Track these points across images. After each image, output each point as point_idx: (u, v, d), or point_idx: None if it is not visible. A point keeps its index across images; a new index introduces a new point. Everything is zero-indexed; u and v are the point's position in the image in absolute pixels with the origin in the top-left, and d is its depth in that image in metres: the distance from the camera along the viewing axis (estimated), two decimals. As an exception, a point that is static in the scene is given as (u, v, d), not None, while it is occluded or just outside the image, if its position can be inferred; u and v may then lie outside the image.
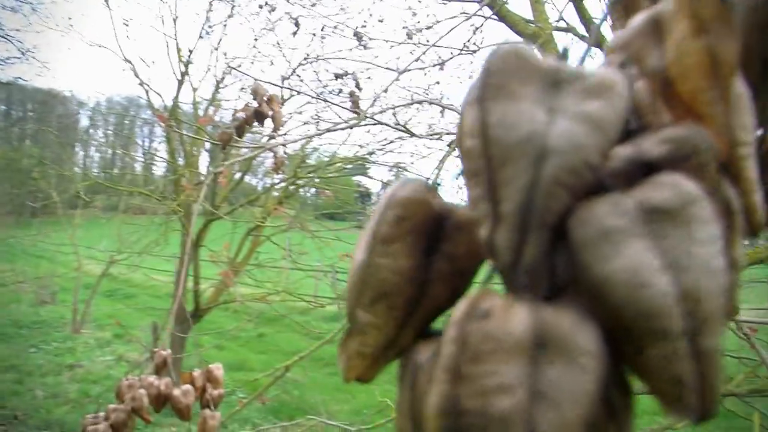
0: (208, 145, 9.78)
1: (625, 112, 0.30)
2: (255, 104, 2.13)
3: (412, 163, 8.25)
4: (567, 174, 0.28)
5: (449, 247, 0.34)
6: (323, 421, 3.82)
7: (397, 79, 2.50)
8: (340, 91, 4.04)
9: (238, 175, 8.86)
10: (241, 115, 2.15)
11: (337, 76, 4.10)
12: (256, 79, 2.36)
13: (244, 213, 8.30)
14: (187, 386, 1.48)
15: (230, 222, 8.67)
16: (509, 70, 0.30)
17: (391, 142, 7.75)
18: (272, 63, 8.39)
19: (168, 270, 22.62)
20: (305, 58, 7.61)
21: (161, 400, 1.46)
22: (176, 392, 1.46)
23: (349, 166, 9.03)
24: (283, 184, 8.36)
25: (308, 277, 9.44)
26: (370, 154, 8.06)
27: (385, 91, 2.50)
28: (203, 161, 9.50)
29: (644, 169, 0.30)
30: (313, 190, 13.14)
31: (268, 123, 2.20)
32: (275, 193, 8.62)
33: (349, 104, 3.24)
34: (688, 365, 0.27)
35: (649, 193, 0.28)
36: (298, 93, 5.11)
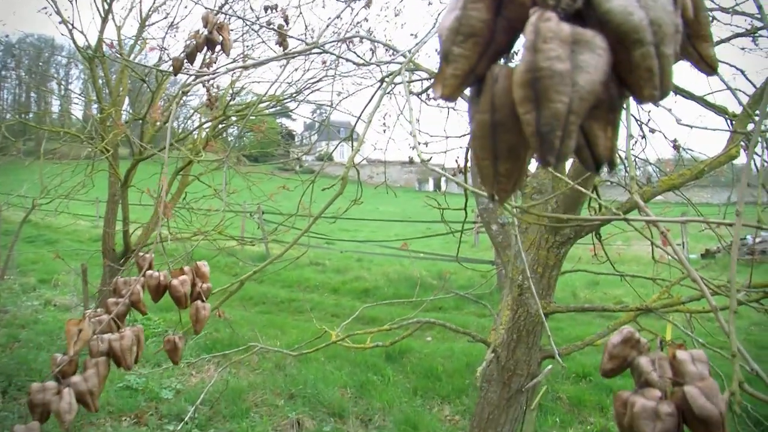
0: (129, 86, 9.64)
1: None
2: (205, 32, 2.21)
3: (339, 102, 8.33)
4: None
5: (508, 12, 0.49)
6: (264, 347, 3.94)
7: (344, 10, 2.60)
8: (269, 24, 4.07)
9: (167, 113, 8.76)
10: (192, 41, 2.23)
11: (267, 9, 4.14)
12: (205, 7, 2.42)
13: (172, 153, 8.23)
14: (184, 276, 1.60)
15: (157, 163, 8.61)
16: None
17: (319, 80, 7.82)
18: (197, 2, 8.28)
19: (90, 215, 22.21)
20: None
21: (161, 290, 1.58)
22: (174, 282, 1.58)
23: (276, 107, 9.05)
24: (210, 123, 8.34)
25: (236, 215, 9.45)
26: (298, 93, 8.09)
27: (338, 17, 2.59)
28: (124, 102, 9.36)
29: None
30: (236, 132, 13.08)
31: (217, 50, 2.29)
32: (204, 133, 8.59)
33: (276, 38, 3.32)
34: (654, 61, 0.44)
35: None
36: (235, 18, 5.09)
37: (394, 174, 50.57)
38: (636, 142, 5.51)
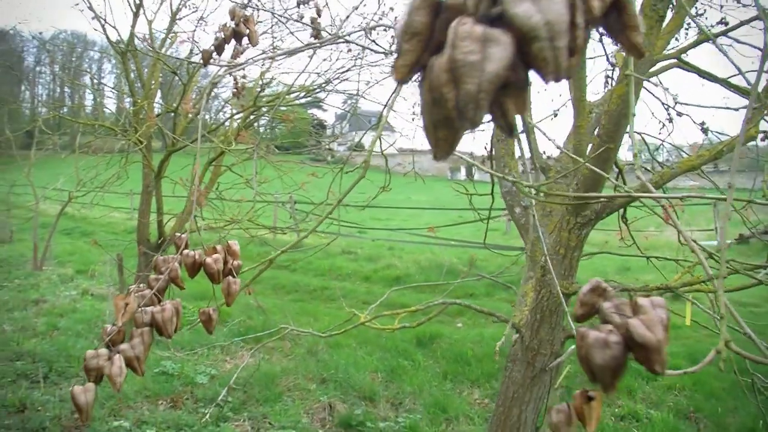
0: (161, 79, 9.82)
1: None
2: (232, 24, 2.32)
3: (366, 90, 8.41)
4: None
5: (444, 16, 0.60)
6: (295, 329, 4.06)
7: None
8: (302, 17, 4.17)
9: (198, 106, 8.91)
10: (220, 35, 2.34)
11: (299, 3, 4.24)
12: (232, 1, 2.53)
13: (204, 144, 8.38)
14: (216, 255, 1.73)
15: (189, 154, 8.78)
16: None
17: (348, 70, 7.90)
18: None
19: (125, 207, 22.56)
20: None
21: (196, 267, 1.70)
22: (208, 260, 1.70)
23: (306, 98, 9.16)
24: (242, 114, 8.47)
25: (268, 204, 9.59)
26: (327, 83, 8.19)
27: (358, 6, 2.69)
28: (157, 96, 9.53)
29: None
30: (267, 122, 13.21)
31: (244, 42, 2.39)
32: (235, 124, 8.73)
33: (310, 30, 3.42)
34: (549, 52, 0.56)
35: None
36: (259, 11, 5.21)
37: (426, 163, 50.48)
38: (663, 126, 5.54)
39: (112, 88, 11.57)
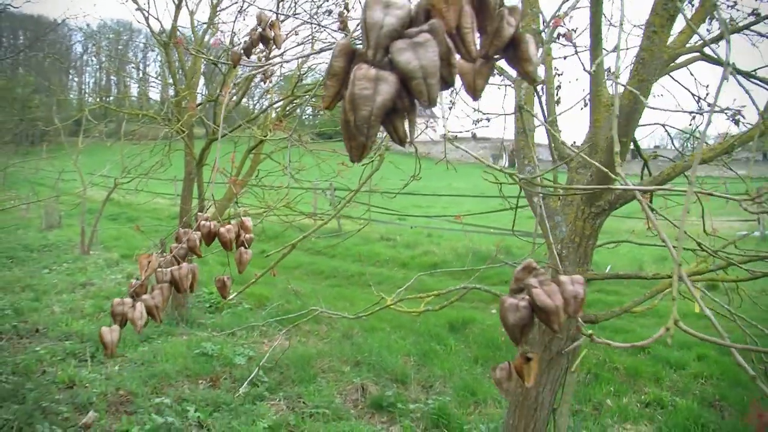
0: (204, 69, 10.09)
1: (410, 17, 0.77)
2: (260, 29, 2.54)
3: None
4: (389, 34, 0.75)
5: (356, 62, 0.78)
6: (325, 311, 4.27)
7: None
8: (330, 12, 4.35)
9: (236, 97, 9.16)
10: (247, 38, 2.56)
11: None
12: (258, 8, 2.73)
13: (244, 132, 8.63)
14: (229, 226, 1.96)
15: (231, 142, 9.04)
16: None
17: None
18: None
19: (169, 193, 23.00)
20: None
21: (212, 236, 1.93)
22: (222, 230, 1.93)
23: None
24: (281, 103, 8.68)
25: (306, 192, 9.81)
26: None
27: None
28: (200, 85, 9.79)
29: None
30: (310, 110, 13.43)
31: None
32: (274, 114, 8.94)
33: (337, 25, 3.61)
34: (424, 87, 0.75)
35: (414, 37, 0.76)
36: (287, 17, 5.39)
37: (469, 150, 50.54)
38: (694, 117, 5.62)
39: (156, 78, 11.87)
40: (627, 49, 4.96)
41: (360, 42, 0.81)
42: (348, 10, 3.86)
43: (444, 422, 6.10)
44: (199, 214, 1.96)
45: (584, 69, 4.05)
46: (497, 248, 10.96)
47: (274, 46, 2.52)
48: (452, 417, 6.17)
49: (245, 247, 2.04)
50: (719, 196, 1.82)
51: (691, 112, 4.41)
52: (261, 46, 2.53)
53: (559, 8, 2.97)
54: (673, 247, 1.72)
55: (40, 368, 7.06)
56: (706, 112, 4.70)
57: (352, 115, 0.73)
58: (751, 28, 4.92)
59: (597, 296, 10.89)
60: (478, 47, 0.88)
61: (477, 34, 0.87)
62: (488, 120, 6.75)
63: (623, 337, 8.51)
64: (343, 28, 3.69)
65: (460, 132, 6.52)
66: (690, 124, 5.56)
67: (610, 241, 4.59)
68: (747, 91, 2.26)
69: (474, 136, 7.96)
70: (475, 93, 0.95)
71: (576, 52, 4.77)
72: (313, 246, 15.43)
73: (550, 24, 2.92)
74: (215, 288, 3.23)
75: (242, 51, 2.51)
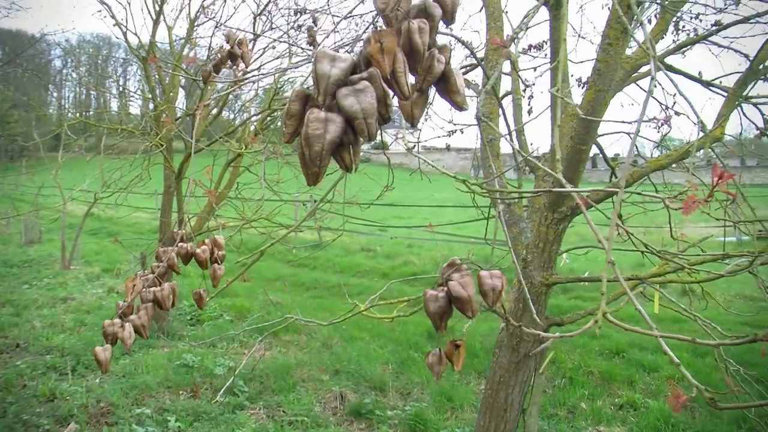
0: (183, 83, 10.18)
1: (352, 67, 0.88)
2: (228, 47, 2.66)
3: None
4: (335, 83, 0.86)
5: (310, 105, 0.90)
6: (299, 318, 4.37)
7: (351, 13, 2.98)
8: (301, 26, 4.47)
9: (215, 111, 9.27)
10: (216, 56, 2.68)
11: (296, 12, 4.55)
12: (226, 26, 2.84)
13: (222, 146, 8.73)
14: (204, 246, 2.10)
15: (210, 155, 9.13)
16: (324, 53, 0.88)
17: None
18: (243, 0, 8.79)
19: (150, 207, 23.02)
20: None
21: (189, 257, 2.07)
22: (198, 250, 2.07)
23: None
24: (259, 116, 8.79)
25: (284, 203, 9.91)
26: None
27: (348, 16, 2.99)
28: (179, 99, 9.88)
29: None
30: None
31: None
32: (252, 127, 9.05)
33: (306, 40, 3.73)
34: (364, 126, 0.87)
35: (356, 84, 0.86)
36: (258, 35, 5.50)
37: (449, 161, 51.06)
38: (662, 125, 5.78)
39: (134, 93, 11.94)
40: (587, 61, 5.11)
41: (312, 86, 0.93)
42: (316, 25, 3.98)
43: (421, 428, 6.22)
44: (176, 231, 2.09)
45: (546, 86, 4.20)
46: (468, 256, 11.08)
47: (242, 63, 2.64)
48: (429, 422, 6.28)
49: (218, 263, 2.19)
50: (647, 195, 1.94)
51: (623, 122, 4.57)
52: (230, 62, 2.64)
53: (521, 23, 3.10)
54: (647, 248, 1.84)
55: (21, 382, 7.12)
56: (634, 121, 4.85)
57: (308, 150, 0.87)
58: (711, 39, 5.08)
59: (575, 303, 11.05)
60: (410, 86, 1.02)
61: (411, 75, 1.02)
62: (462, 131, 6.90)
63: (599, 342, 8.66)
64: (312, 42, 3.81)
65: (427, 141, 6.64)
66: (659, 132, 5.72)
67: (575, 247, 4.72)
68: (688, 101, 2.39)
69: (448, 147, 8.10)
70: (413, 121, 1.10)
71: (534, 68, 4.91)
72: (293, 258, 15.51)
73: (495, 42, 3.05)
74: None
75: (212, 68, 2.62)
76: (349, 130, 0.88)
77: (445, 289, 1.49)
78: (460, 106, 1.11)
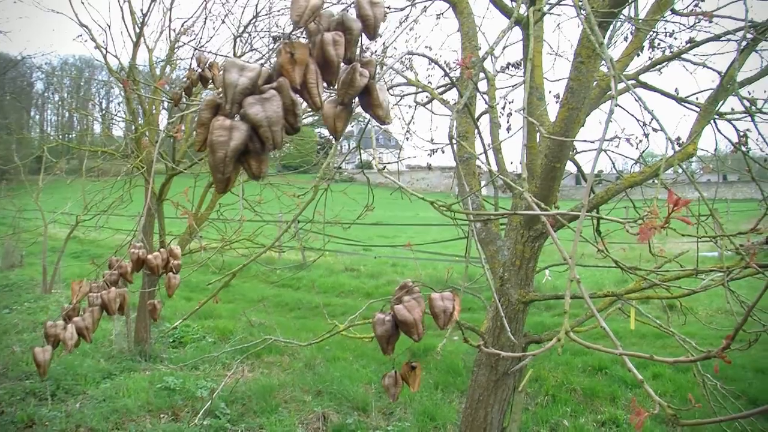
0: (166, 104, 10.19)
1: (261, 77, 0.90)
2: (199, 70, 2.67)
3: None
4: (242, 91, 0.88)
5: (219, 114, 0.91)
6: (279, 339, 4.36)
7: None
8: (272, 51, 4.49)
9: (195, 133, 9.26)
10: (186, 80, 2.70)
11: (275, 39, 4.57)
12: (205, 49, 2.86)
13: (203, 167, 8.72)
14: (156, 253, 2.09)
15: (191, 177, 9.13)
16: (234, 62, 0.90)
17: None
18: (223, 21, 8.83)
19: (132, 229, 22.88)
20: (254, 16, 8.06)
21: (140, 263, 2.05)
22: (149, 257, 2.06)
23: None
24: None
25: (266, 224, 9.91)
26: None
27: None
28: (162, 120, 9.87)
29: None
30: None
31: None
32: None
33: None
34: (269, 132, 0.90)
35: (263, 93, 0.89)
36: (240, 56, 5.54)
37: (434, 180, 51.40)
38: (640, 141, 5.83)
39: (115, 115, 11.95)
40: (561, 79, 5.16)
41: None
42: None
43: (404, 448, 6.20)
44: (133, 243, 2.08)
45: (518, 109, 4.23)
46: (448, 274, 11.10)
47: (212, 86, 2.65)
48: (412, 442, 6.27)
49: (174, 273, 2.17)
50: (607, 220, 1.96)
51: (592, 141, 4.60)
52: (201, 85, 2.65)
53: (493, 43, 3.13)
54: (618, 264, 1.86)
55: (-1, 408, 7.04)
56: (597, 140, 4.91)
57: (212, 156, 0.87)
58: (685, 57, 5.15)
59: (558, 320, 11.07)
60: (330, 98, 1.04)
61: (326, 86, 1.03)
62: (443, 151, 6.93)
63: (582, 359, 8.68)
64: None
65: (404, 160, 6.69)
66: (637, 148, 5.77)
67: (554, 264, 4.74)
68: (655, 117, 2.42)
69: (429, 167, 8.16)
70: (336, 134, 1.12)
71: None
72: (277, 278, 15.48)
73: (458, 65, 3.07)
74: (179, 322, 3.42)
75: (182, 90, 2.64)
76: (255, 138, 0.89)
77: (392, 312, 1.52)
78: (382, 120, 1.13)
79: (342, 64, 1.04)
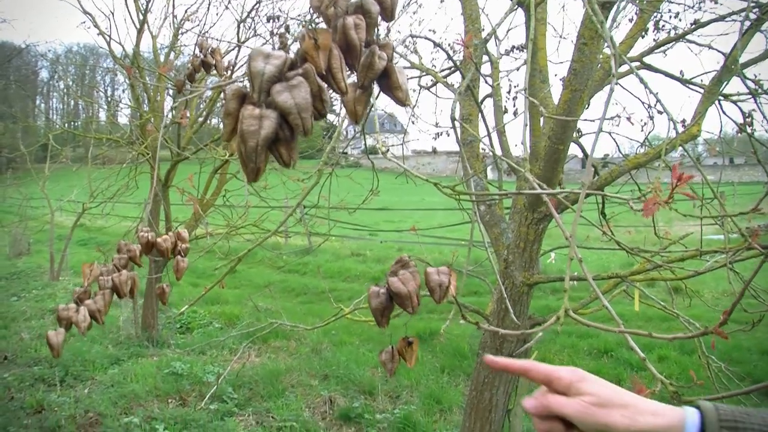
0: (171, 91, 10.19)
1: (287, 64, 0.89)
2: (201, 56, 2.67)
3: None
4: (269, 79, 0.87)
5: (246, 102, 0.91)
6: (284, 323, 4.38)
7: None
8: (272, 33, 4.49)
9: (200, 119, 9.27)
10: (189, 66, 2.70)
11: (269, 19, 4.57)
12: (209, 34, 2.86)
13: (209, 153, 8.72)
14: (165, 236, 2.10)
15: (196, 164, 9.14)
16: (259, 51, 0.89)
17: (351, 73, 8.22)
18: (227, 7, 8.81)
19: (138, 216, 22.94)
20: (258, 2, 8.05)
21: (150, 246, 2.07)
22: (159, 240, 2.07)
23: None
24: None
25: (272, 210, 9.92)
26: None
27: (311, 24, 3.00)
28: (167, 106, 9.87)
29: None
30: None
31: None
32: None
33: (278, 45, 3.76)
34: (299, 120, 0.88)
35: (290, 80, 0.89)
36: (239, 44, 5.52)
37: (440, 164, 51.37)
38: (645, 123, 5.81)
39: (119, 102, 11.95)
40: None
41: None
42: (288, 32, 4.01)
43: (410, 430, 6.23)
44: (141, 227, 2.09)
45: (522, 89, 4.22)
46: (453, 258, 11.11)
47: (217, 72, 2.65)
48: (418, 425, 6.29)
49: (182, 256, 2.18)
50: (610, 196, 1.96)
51: (593, 120, 4.60)
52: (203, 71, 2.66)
53: (495, 25, 3.12)
54: (620, 246, 1.86)
55: (8, 395, 7.08)
56: (598, 119, 4.90)
57: (243, 147, 0.87)
58: (690, 38, 5.12)
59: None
60: (349, 82, 1.04)
61: (348, 70, 1.03)
62: (447, 134, 6.92)
63: (587, 341, 8.70)
64: (283, 47, 3.84)
65: (408, 143, 6.69)
66: (642, 131, 5.75)
67: (559, 246, 4.74)
68: (658, 99, 2.41)
69: (434, 150, 8.14)
70: (355, 117, 1.11)
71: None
72: (284, 264, 15.52)
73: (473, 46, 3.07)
74: (186, 308, 3.44)
75: (185, 77, 2.64)
76: (284, 126, 0.89)
77: (386, 285, 1.52)
78: (402, 102, 1.13)
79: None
